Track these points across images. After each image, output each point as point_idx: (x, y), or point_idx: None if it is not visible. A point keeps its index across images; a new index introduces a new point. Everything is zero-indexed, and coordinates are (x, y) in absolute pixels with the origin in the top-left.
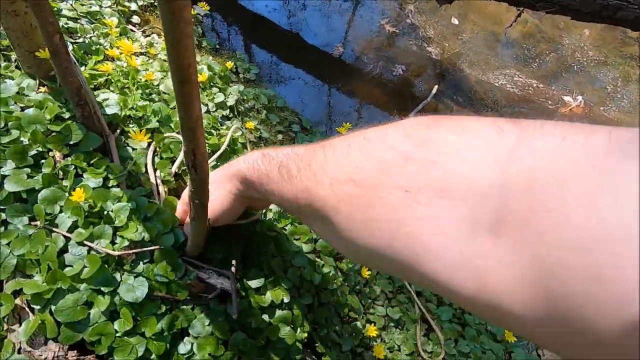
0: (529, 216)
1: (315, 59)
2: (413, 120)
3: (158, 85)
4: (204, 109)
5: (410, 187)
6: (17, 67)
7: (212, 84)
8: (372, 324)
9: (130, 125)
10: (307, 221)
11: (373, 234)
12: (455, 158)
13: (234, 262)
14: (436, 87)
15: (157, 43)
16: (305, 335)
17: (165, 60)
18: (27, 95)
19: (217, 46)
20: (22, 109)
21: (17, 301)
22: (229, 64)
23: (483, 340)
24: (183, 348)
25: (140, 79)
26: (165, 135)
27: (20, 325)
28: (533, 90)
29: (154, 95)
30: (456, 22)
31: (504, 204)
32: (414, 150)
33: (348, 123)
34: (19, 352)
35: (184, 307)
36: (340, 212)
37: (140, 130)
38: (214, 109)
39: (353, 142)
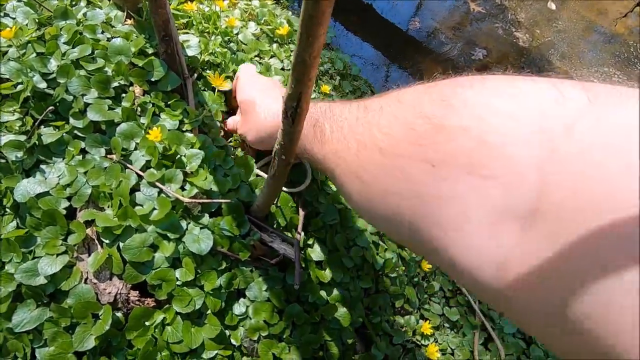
0: (572, 214)
1: (387, 33)
2: (454, 80)
3: (237, 34)
4: (280, 65)
5: (437, 160)
6: None
7: (290, 40)
8: (427, 321)
9: (208, 71)
10: (335, 183)
11: (392, 208)
12: (493, 128)
13: (300, 229)
14: None
15: None
16: (361, 320)
17: (245, 10)
18: (114, 26)
19: (295, 3)
20: (109, 39)
21: (88, 231)
22: None
23: None
24: (238, 309)
25: (221, 25)
26: None
27: (89, 255)
28: None
29: (232, 44)
30: (553, 7)
31: (544, 191)
32: (447, 116)
33: None
34: (85, 282)
35: (244, 267)
36: (362, 179)
37: (220, 76)
38: (290, 66)
39: (386, 104)
